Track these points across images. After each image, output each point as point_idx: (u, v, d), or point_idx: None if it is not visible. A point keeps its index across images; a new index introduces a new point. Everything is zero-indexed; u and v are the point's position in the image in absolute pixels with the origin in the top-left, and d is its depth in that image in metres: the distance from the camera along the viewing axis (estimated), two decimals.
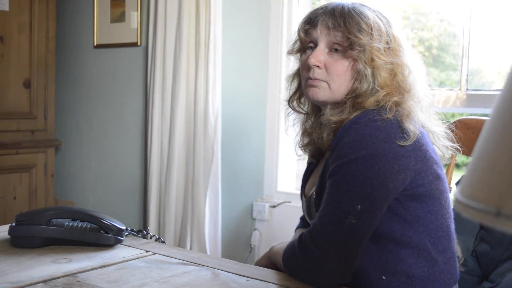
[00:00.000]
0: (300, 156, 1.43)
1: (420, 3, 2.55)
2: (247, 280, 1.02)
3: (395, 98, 1.15)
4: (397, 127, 1.10)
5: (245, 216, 2.82)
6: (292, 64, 2.76)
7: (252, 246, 2.78)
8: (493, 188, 0.40)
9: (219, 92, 2.69)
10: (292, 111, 1.36)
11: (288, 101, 1.35)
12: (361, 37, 1.16)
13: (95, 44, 3.22)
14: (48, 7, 3.15)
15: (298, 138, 1.37)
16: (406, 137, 1.10)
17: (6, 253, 1.13)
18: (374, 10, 1.23)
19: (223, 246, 2.80)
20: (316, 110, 1.32)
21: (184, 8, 2.69)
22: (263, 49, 2.78)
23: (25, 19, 3.07)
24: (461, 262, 1.41)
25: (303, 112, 1.35)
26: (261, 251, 2.75)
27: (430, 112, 1.23)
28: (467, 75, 2.28)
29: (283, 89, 2.76)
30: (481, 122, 1.49)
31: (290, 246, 1.12)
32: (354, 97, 1.18)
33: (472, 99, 2.25)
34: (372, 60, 1.16)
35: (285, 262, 1.11)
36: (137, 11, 3.00)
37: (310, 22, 1.23)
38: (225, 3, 2.71)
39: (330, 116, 1.17)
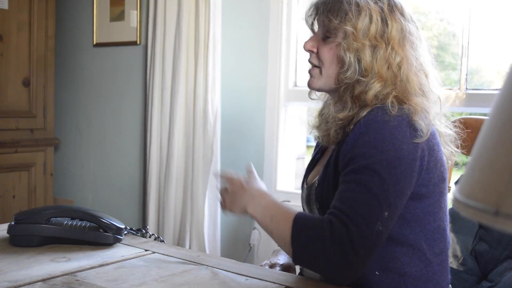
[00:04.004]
0: (312, 134, 1.40)
1: (419, 3, 2.55)
2: (246, 279, 1.02)
3: (395, 93, 1.14)
4: (410, 125, 1.10)
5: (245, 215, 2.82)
6: (292, 63, 2.77)
7: (251, 245, 2.78)
8: (491, 188, 0.40)
9: (219, 91, 2.69)
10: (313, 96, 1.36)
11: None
12: (336, 22, 1.17)
13: (94, 42, 3.22)
14: (47, 5, 3.14)
15: (316, 117, 1.34)
16: (420, 133, 1.10)
17: (5, 252, 1.13)
18: None
19: (222, 245, 2.80)
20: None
21: (183, 7, 2.68)
22: (262, 48, 2.78)
23: (24, 17, 3.06)
24: (460, 261, 1.41)
25: (317, 99, 1.35)
26: (260, 250, 2.75)
27: (439, 109, 1.21)
28: (466, 75, 2.28)
29: (282, 88, 2.77)
30: (480, 122, 1.49)
31: (316, 226, 1.04)
32: (350, 90, 1.17)
33: (472, 99, 2.25)
34: (353, 46, 1.16)
35: (304, 237, 1.04)
36: (137, 9, 3.00)
37: (312, 6, 1.26)
38: (224, 2, 2.71)
39: (336, 113, 1.17)
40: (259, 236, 2.77)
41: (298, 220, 1.06)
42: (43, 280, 0.97)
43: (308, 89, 1.33)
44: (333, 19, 1.18)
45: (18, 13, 3.03)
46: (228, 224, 2.82)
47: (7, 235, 1.20)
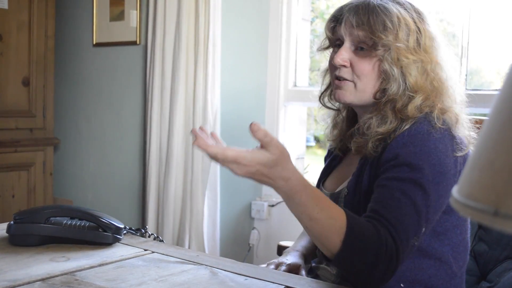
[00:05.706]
0: (329, 145, 1.36)
1: (419, 3, 2.55)
2: (245, 279, 1.02)
3: (439, 105, 1.12)
4: (452, 137, 1.09)
5: (244, 215, 2.82)
6: (292, 63, 2.77)
7: (250, 245, 2.78)
8: (491, 188, 0.40)
9: (218, 91, 2.69)
10: (323, 106, 1.32)
11: (320, 97, 1.31)
12: (384, 36, 1.11)
13: (94, 42, 3.21)
14: (47, 5, 3.14)
15: (328, 130, 1.32)
16: (461, 147, 1.09)
17: (4, 251, 1.13)
18: (403, 3, 1.17)
19: (222, 245, 2.80)
20: (347, 106, 1.28)
21: (183, 7, 2.68)
22: (262, 48, 2.78)
23: (24, 17, 3.06)
24: None
25: (334, 108, 1.31)
26: (259, 250, 2.75)
27: (465, 111, 1.20)
28: (466, 75, 2.28)
29: (282, 88, 2.77)
30: (480, 122, 1.49)
31: (373, 240, 0.98)
32: (390, 102, 1.13)
33: (471, 99, 2.25)
34: (399, 59, 1.12)
35: (358, 246, 0.98)
36: (137, 9, 3.00)
37: (336, 19, 1.19)
38: (224, 2, 2.71)
39: (377, 127, 1.12)
40: (258, 236, 2.77)
41: (352, 226, 0.98)
42: (42, 280, 0.97)
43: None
44: (370, 33, 1.12)
45: (18, 13, 3.03)
46: (227, 224, 2.82)
47: (6, 234, 1.20)
